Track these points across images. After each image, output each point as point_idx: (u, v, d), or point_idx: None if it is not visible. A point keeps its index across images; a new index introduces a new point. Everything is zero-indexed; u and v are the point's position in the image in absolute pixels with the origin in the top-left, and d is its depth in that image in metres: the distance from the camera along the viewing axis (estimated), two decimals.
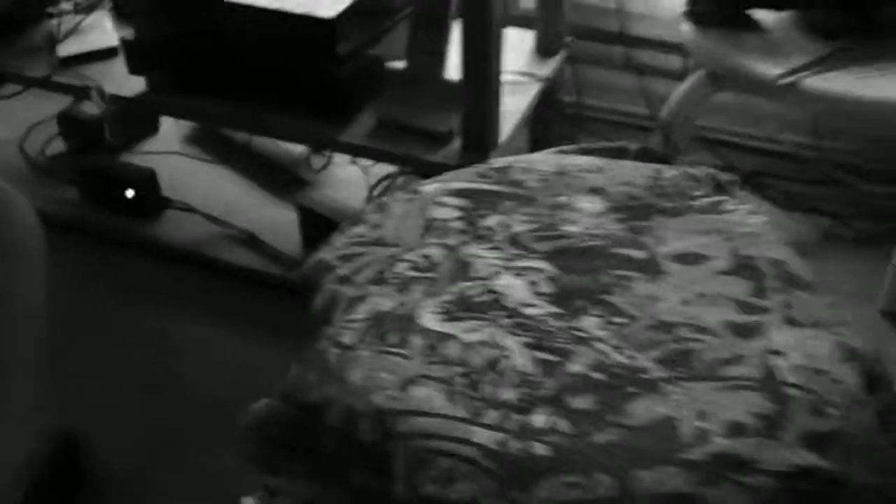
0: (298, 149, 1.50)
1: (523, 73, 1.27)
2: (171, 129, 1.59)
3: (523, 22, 1.37)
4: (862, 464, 0.54)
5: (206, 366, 1.17)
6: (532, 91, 1.24)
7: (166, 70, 1.20)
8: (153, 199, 1.41)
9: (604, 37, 1.44)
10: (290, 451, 0.61)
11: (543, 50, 1.31)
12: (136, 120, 1.52)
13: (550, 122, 1.42)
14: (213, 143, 1.57)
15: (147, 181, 1.39)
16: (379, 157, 1.14)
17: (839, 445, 0.52)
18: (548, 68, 1.28)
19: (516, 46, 1.33)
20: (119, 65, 1.24)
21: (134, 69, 1.18)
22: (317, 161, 1.46)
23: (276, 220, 1.36)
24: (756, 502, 0.49)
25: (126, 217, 1.40)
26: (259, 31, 1.11)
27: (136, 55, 1.18)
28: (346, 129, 1.14)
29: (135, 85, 1.22)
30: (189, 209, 1.41)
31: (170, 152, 1.57)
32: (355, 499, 0.52)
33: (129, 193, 1.39)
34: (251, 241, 1.35)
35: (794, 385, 0.53)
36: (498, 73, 1.06)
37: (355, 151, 1.15)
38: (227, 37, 1.13)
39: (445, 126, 1.10)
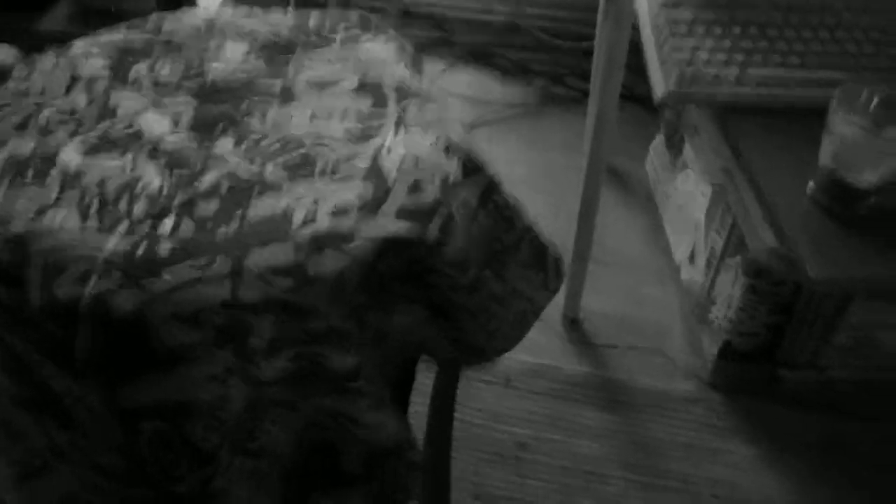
0: (9, 56, 1.43)
1: None
2: None
3: None
4: (459, 233, 0.64)
5: None
6: None
7: None
8: None
9: None
10: None
11: None
12: None
13: None
14: None
15: None
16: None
17: (435, 218, 0.62)
18: None
19: None
20: None
21: None
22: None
23: None
24: (356, 265, 0.58)
25: None
26: None
27: None
28: (43, 19, 1.11)
29: None
30: None
31: None
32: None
33: None
34: None
35: (396, 172, 0.62)
36: None
37: (54, 38, 1.13)
38: None
39: (145, 6, 1.10)
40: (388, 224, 0.60)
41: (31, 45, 1.39)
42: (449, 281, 0.65)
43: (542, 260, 0.74)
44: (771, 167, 1.07)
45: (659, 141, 1.42)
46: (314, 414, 0.63)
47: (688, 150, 1.27)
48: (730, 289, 1.14)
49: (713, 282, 1.19)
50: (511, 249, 0.71)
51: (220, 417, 0.58)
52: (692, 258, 1.26)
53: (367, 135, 0.66)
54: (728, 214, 1.14)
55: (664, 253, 1.38)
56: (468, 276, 0.66)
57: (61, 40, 1.17)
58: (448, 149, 0.67)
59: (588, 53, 1.63)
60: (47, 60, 0.71)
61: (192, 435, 0.57)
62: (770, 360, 1.19)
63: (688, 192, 1.28)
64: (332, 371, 0.61)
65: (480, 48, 1.66)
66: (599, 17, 1.32)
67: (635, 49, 1.11)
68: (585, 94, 1.64)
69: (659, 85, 1.10)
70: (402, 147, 0.65)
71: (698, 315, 1.25)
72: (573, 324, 1.28)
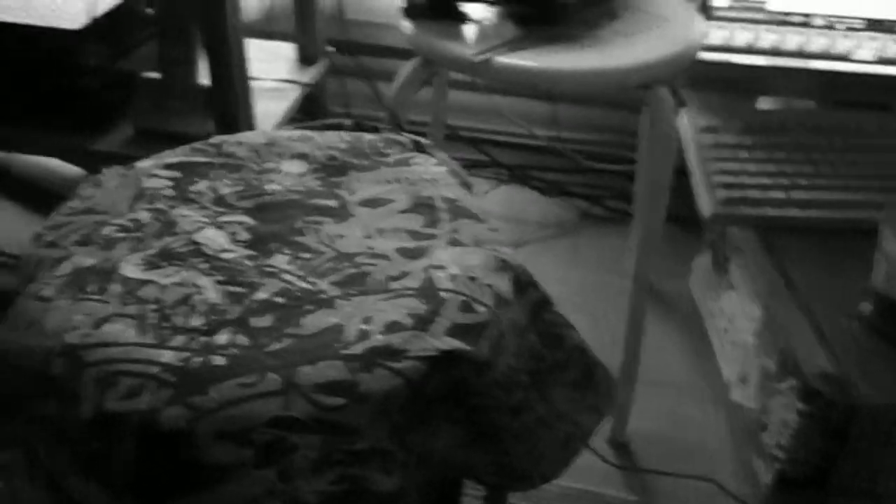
0: (75, 172, 1.50)
1: (285, 81, 1.35)
2: None
3: (289, 37, 1.46)
4: (509, 351, 0.64)
5: None
6: (293, 96, 1.32)
7: None
8: None
9: (362, 49, 1.56)
10: None
11: (304, 59, 1.40)
12: None
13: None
14: None
15: None
16: None
17: (487, 336, 0.62)
18: (308, 75, 1.37)
19: (281, 57, 1.41)
20: None
21: None
22: None
23: None
24: (406, 384, 0.57)
25: None
26: (4, 47, 1.12)
27: None
28: (101, 140, 1.17)
29: None
30: None
31: None
32: (46, 429, 0.56)
33: None
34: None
35: (448, 290, 0.63)
36: (243, 78, 1.13)
37: (112, 159, 1.18)
38: None
39: (202, 129, 1.15)
40: (438, 342, 0.59)
41: (88, 165, 1.45)
42: (494, 402, 0.64)
43: (591, 381, 0.72)
44: (819, 288, 1.05)
45: (703, 260, 1.42)
46: None
47: (734, 271, 1.26)
48: (783, 414, 1.10)
49: (765, 406, 1.15)
50: (558, 369, 0.70)
51: None
52: (743, 380, 1.23)
53: (419, 252, 0.67)
54: (778, 337, 1.11)
55: (710, 373, 1.35)
56: (514, 398, 0.65)
57: (118, 162, 1.23)
58: (499, 267, 0.67)
59: (624, 175, 1.66)
60: (112, 178, 0.74)
61: None
62: (824, 489, 1.13)
63: (735, 313, 1.26)
64: (374, 493, 0.59)
65: (519, 169, 1.70)
66: (641, 141, 1.35)
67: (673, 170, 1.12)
68: (623, 214, 1.66)
69: (706, 206, 1.11)
70: (453, 265, 0.65)
71: (749, 440, 1.21)
72: (618, 447, 1.24)
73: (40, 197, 1.47)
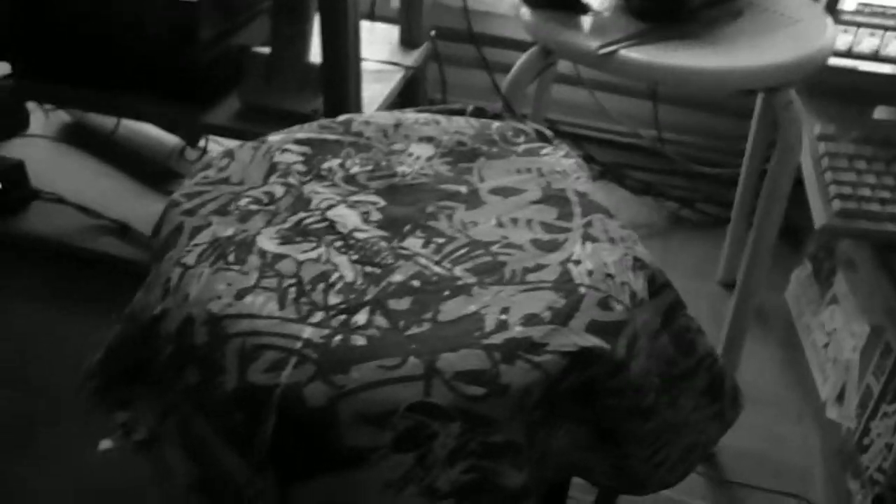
0: (173, 142, 1.52)
1: (388, 63, 1.35)
2: (41, 123, 1.59)
3: (393, 20, 1.46)
4: (643, 353, 0.62)
5: (76, 356, 1.17)
6: (396, 79, 1.31)
7: (31, 56, 1.21)
8: (22, 190, 1.40)
9: (464, 37, 1.54)
10: (131, 377, 0.65)
11: (407, 42, 1.40)
12: (4, 111, 1.51)
13: None
14: (85, 138, 1.58)
15: (15, 173, 1.39)
16: (245, 137, 1.18)
17: (622, 335, 0.60)
18: (411, 59, 1.37)
19: (384, 39, 1.41)
20: None
21: None
22: (191, 153, 1.49)
23: (150, 211, 1.38)
24: (545, 379, 0.56)
25: None
26: (123, 16, 1.14)
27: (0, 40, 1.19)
28: (210, 112, 1.18)
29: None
30: (59, 200, 1.41)
31: (40, 138, 1.56)
32: (189, 398, 0.56)
33: None
34: (123, 231, 1.36)
35: (586, 286, 0.61)
36: (357, 58, 1.13)
37: (221, 132, 1.19)
38: (92, 22, 1.16)
39: (310, 107, 1.15)
40: (577, 338, 0.58)
41: (196, 137, 1.47)
42: (625, 403, 0.62)
43: (719, 390, 0.70)
44: None
45: (804, 272, 1.37)
46: None
47: (839, 285, 1.21)
48: (889, 437, 1.06)
49: (867, 427, 1.11)
50: (689, 375, 0.68)
51: None
52: (841, 398, 1.19)
53: (554, 245, 0.65)
54: (888, 357, 1.07)
55: (804, 389, 1.31)
56: (645, 402, 0.63)
57: (226, 134, 1.24)
58: (634, 265, 0.65)
59: (719, 179, 1.62)
60: (245, 152, 0.74)
61: None
62: None
63: (837, 328, 1.22)
64: (503, 488, 0.58)
65: (613, 168, 1.67)
66: (749, 146, 1.31)
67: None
68: (715, 219, 1.62)
69: (819, 216, 1.07)
70: (590, 261, 0.64)
71: (845, 461, 1.16)
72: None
73: (139, 163, 1.50)
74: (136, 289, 0.65)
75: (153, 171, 1.47)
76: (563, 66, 1.39)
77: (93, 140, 1.54)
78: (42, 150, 1.50)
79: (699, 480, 1.19)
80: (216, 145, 1.47)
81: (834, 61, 1.17)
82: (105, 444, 0.78)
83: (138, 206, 1.40)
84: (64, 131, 1.56)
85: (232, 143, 1.36)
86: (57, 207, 1.38)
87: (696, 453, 0.70)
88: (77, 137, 1.55)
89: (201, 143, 1.47)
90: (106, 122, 1.52)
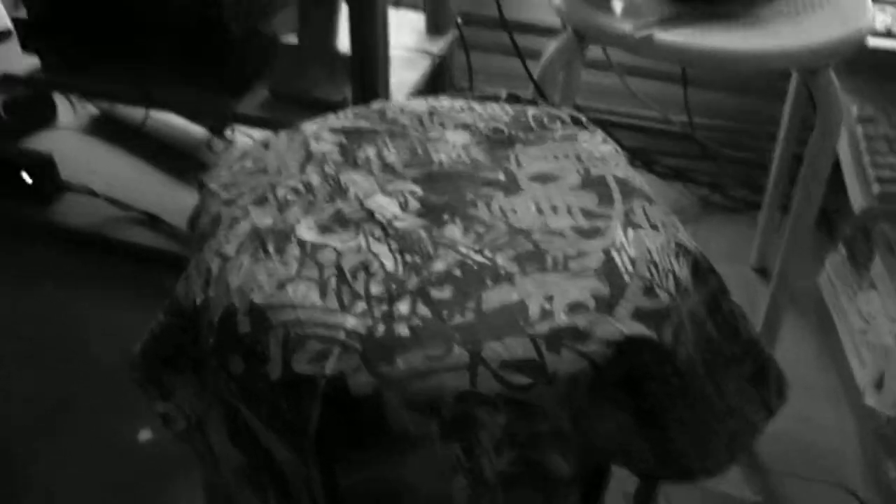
0: (200, 133, 1.52)
1: (416, 50, 1.34)
2: (70, 116, 1.59)
3: (419, 7, 1.45)
4: (688, 341, 0.61)
5: (107, 343, 1.18)
6: (423, 66, 1.30)
7: (60, 48, 1.21)
8: (51, 183, 1.41)
9: (491, 23, 1.53)
10: (174, 367, 0.65)
11: (434, 28, 1.38)
12: (32, 104, 1.52)
13: None
14: (113, 130, 1.58)
15: (45, 166, 1.39)
16: (273, 127, 1.18)
17: (668, 323, 0.59)
18: (437, 46, 1.36)
19: (411, 27, 1.40)
20: (14, 47, 1.25)
21: (27, 47, 1.20)
22: (218, 144, 1.49)
23: (178, 202, 1.39)
24: (591, 367, 0.55)
25: (24, 202, 1.40)
26: (152, 7, 1.14)
27: (29, 33, 1.19)
28: (240, 102, 1.18)
29: (29, 65, 1.23)
30: (89, 192, 1.42)
31: (69, 131, 1.57)
32: (234, 387, 0.56)
33: (27, 178, 1.39)
34: (152, 221, 1.37)
35: (630, 273, 0.60)
36: (385, 46, 1.12)
37: (249, 122, 1.19)
38: (120, 13, 1.16)
39: (339, 95, 1.15)
40: (623, 326, 0.57)
41: (223, 127, 1.47)
42: (671, 390, 0.61)
43: (764, 377, 0.69)
44: None
45: (838, 256, 1.35)
46: None
47: (877, 269, 1.19)
48: None
49: None
50: (734, 362, 0.67)
51: None
52: (880, 385, 1.17)
53: (595, 232, 0.64)
54: None
55: (839, 374, 1.29)
56: (691, 389, 0.62)
57: (256, 124, 1.24)
58: (678, 251, 0.64)
59: (748, 163, 1.59)
60: (281, 141, 0.74)
61: None
62: None
63: (875, 313, 1.20)
64: (549, 477, 0.58)
65: (643, 153, 1.65)
66: (783, 129, 1.29)
67: (800, 161, 1.06)
68: (745, 204, 1.59)
69: (857, 200, 1.05)
70: (633, 247, 0.63)
71: (884, 447, 1.15)
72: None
73: (167, 155, 1.50)
74: (165, 278, 0.65)
75: (181, 163, 1.48)
76: (592, 50, 1.38)
77: (121, 133, 1.54)
78: (71, 142, 1.51)
79: (735, 468, 1.18)
80: (242, 136, 1.47)
81: (873, 41, 1.14)
82: (145, 434, 0.79)
83: (166, 197, 1.40)
84: (92, 124, 1.56)
85: (258, 133, 1.36)
86: (86, 199, 1.38)
87: (740, 441, 0.69)
88: (105, 130, 1.56)
89: (227, 133, 1.47)
90: (134, 114, 1.53)
